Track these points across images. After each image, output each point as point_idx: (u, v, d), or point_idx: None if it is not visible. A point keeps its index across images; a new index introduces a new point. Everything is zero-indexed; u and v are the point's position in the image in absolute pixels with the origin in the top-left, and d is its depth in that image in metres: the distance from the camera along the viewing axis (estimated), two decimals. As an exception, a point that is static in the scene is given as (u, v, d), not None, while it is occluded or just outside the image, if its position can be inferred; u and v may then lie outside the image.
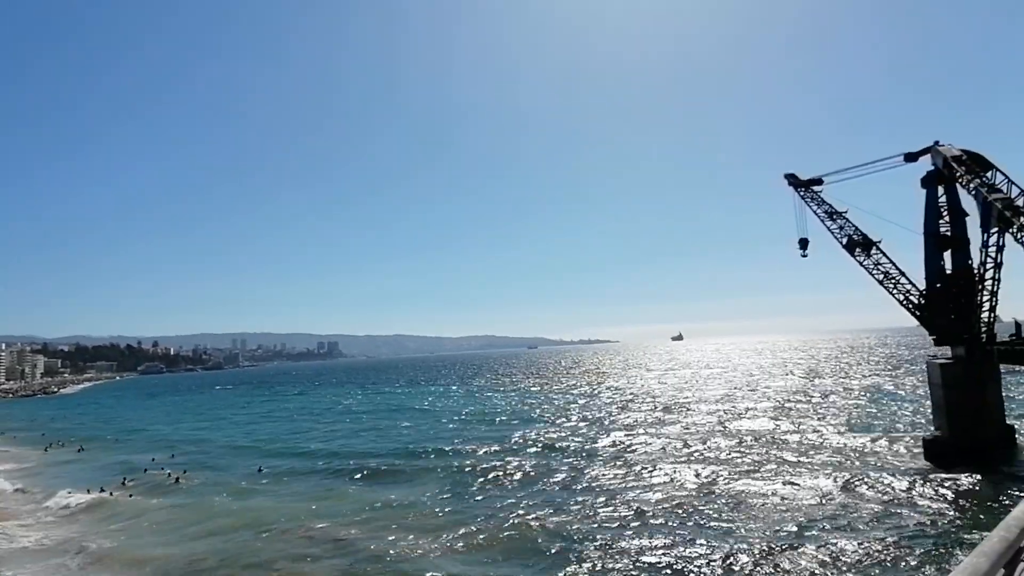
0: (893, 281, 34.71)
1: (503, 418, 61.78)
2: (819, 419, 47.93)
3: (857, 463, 32.17)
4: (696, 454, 37.38)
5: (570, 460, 37.84)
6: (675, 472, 32.52)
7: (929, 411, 35.81)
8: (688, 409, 59.03)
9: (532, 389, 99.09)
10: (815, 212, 37.30)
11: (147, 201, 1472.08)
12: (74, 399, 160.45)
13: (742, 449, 37.81)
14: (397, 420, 66.28)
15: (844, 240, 35.86)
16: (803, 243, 39.68)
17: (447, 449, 44.18)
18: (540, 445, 43.81)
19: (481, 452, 42.16)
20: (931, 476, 28.05)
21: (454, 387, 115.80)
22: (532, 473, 34.81)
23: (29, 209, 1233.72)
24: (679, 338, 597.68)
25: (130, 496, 36.08)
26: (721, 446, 39.14)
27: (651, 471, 33.15)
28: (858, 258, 35.45)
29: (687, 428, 47.57)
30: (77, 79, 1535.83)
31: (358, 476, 37.30)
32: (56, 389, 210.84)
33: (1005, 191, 29.49)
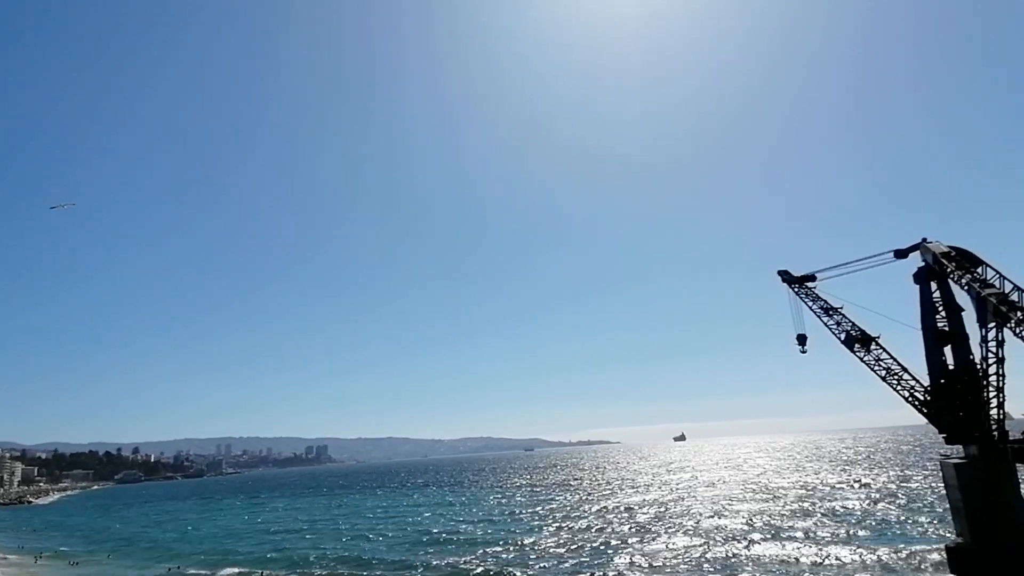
0: (896, 377, 34.16)
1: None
2: (835, 526, 45.66)
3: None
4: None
5: None
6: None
7: (944, 513, 34.13)
8: (694, 518, 56.21)
9: (517, 506, 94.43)
10: (811, 308, 37.48)
11: (128, 300, 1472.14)
12: (52, 508, 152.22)
13: (759, 563, 35.54)
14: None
15: (842, 336, 35.74)
16: (801, 339, 39.51)
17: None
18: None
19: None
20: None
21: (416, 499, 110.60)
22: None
23: (4, 311, 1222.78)
24: (682, 438, 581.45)
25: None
26: (736, 561, 36.79)
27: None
28: (858, 354, 35.13)
29: (692, 543, 44.92)
30: (49, 180, 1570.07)
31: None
32: (32, 500, 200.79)
33: (997, 286, 29.82)
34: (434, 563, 42.45)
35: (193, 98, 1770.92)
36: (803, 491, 69.70)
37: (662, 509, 63.55)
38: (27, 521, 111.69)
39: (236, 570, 46.11)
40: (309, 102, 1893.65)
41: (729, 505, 62.50)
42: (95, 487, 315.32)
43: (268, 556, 51.71)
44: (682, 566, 36.09)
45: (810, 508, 55.53)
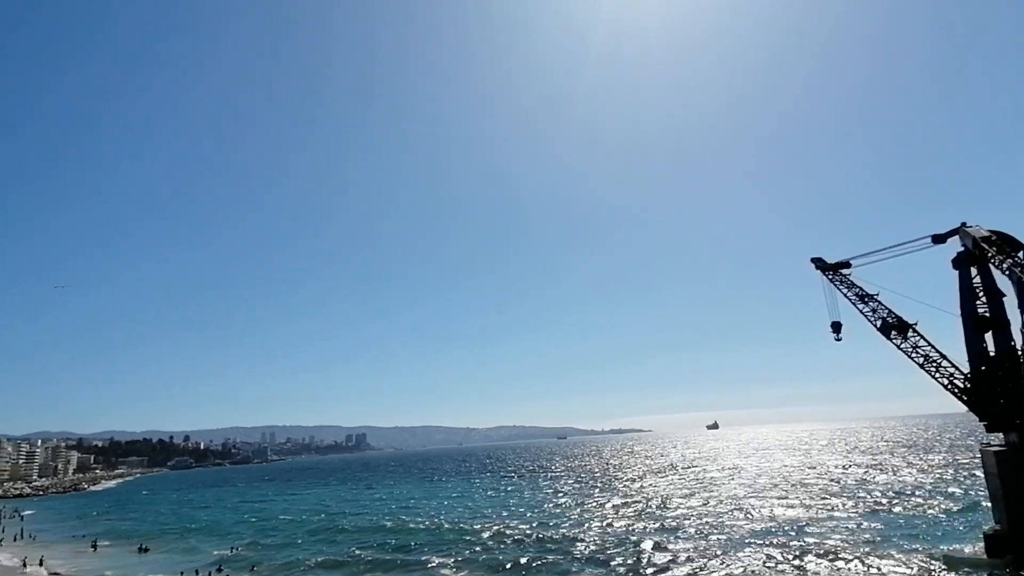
0: (934, 365, 33.66)
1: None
2: (867, 516, 45.29)
3: (919, 561, 30.05)
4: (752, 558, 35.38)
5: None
6: None
7: (983, 501, 33.73)
8: (734, 506, 56.31)
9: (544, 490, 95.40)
10: (845, 295, 37.09)
11: (180, 297, 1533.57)
12: (108, 495, 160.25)
13: (802, 547, 35.72)
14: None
15: (878, 323, 35.33)
16: (836, 327, 39.02)
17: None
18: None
19: None
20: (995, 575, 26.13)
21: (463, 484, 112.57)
22: None
23: (65, 306, 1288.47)
24: (714, 426, 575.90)
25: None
26: (760, 551, 37.02)
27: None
28: (895, 341, 34.70)
29: (731, 535, 45.15)
30: (102, 172, 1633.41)
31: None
32: (86, 486, 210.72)
33: (1040, 271, 29.17)
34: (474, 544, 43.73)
35: (249, 99, 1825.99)
36: (833, 482, 68.85)
37: (687, 498, 63.65)
38: (81, 508, 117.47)
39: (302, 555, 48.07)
40: (352, 101, 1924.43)
41: (757, 495, 62.23)
42: (148, 473, 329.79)
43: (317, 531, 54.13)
44: (709, 558, 36.40)
45: (842, 499, 54.92)
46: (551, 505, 66.19)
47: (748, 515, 49.17)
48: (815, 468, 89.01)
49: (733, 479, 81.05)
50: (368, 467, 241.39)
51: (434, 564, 39.65)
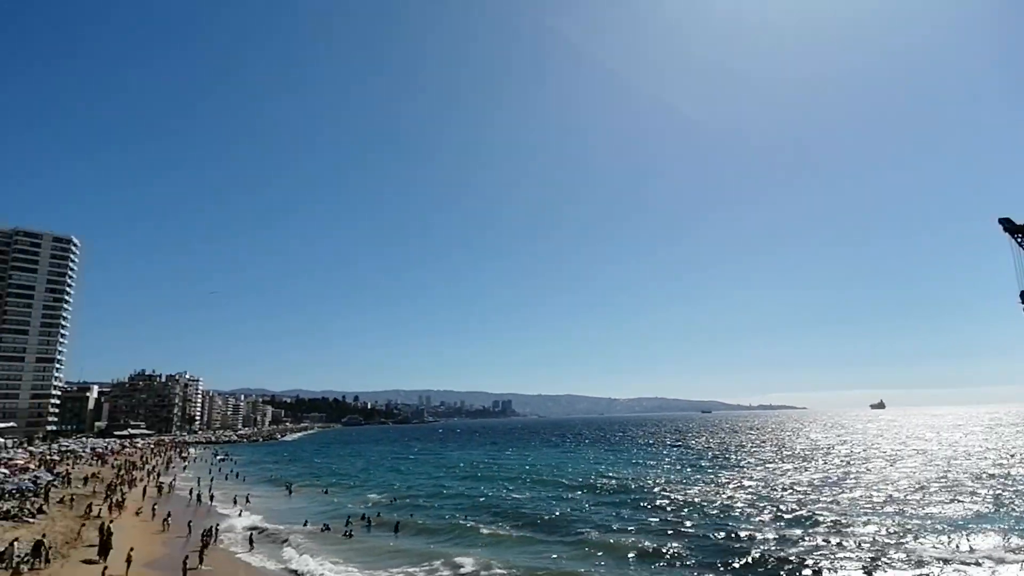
0: None
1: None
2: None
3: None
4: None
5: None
6: None
7: None
8: (885, 498, 52.69)
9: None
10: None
11: (361, 285, 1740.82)
12: (295, 444, 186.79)
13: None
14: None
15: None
16: None
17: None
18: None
19: None
20: None
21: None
22: None
23: (268, 288, 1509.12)
24: (880, 406, 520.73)
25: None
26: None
27: None
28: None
29: (878, 532, 42.56)
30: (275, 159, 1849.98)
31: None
32: (280, 436, 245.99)
33: None
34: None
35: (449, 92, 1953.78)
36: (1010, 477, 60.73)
37: (831, 484, 60.18)
38: (277, 454, 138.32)
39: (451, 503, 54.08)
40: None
41: (920, 487, 57.27)
42: (328, 428, 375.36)
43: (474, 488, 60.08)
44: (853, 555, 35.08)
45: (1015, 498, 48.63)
46: (660, 477, 66.06)
47: (903, 511, 45.24)
48: (1005, 457, 78.70)
49: (892, 466, 74.86)
50: (514, 431, 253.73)
51: (584, 532, 39.91)
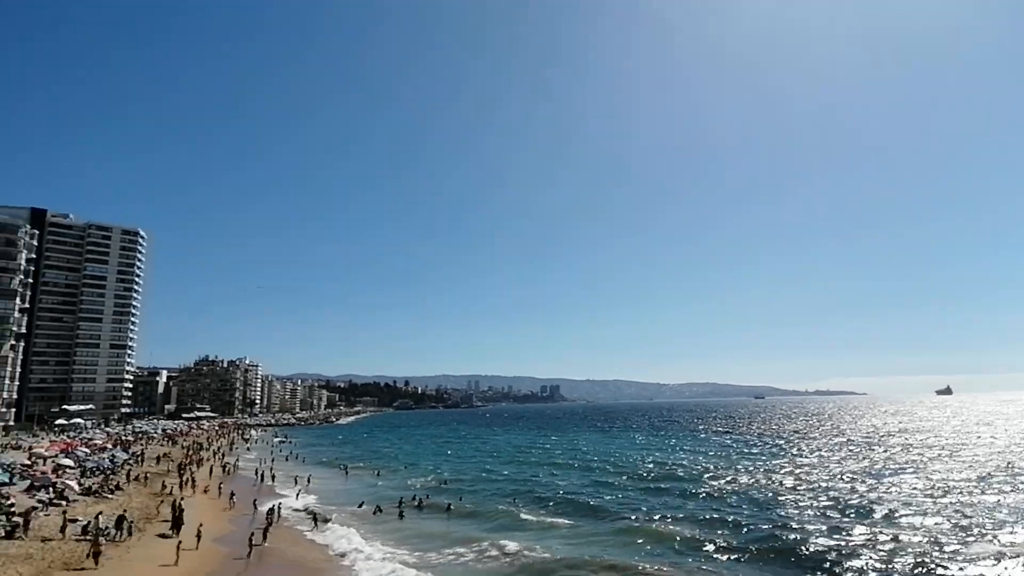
0: None
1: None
2: None
3: None
4: None
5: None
6: None
7: None
8: (944, 490, 50.69)
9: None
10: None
11: (409, 268, 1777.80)
12: (348, 428, 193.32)
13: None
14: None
15: None
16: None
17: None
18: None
19: None
20: None
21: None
22: None
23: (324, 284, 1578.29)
24: (946, 391, 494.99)
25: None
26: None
27: None
28: None
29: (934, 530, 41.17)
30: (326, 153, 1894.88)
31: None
32: (335, 420, 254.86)
33: None
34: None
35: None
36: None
37: (889, 473, 58.13)
38: (332, 437, 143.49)
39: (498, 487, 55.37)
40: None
41: (980, 476, 54.74)
42: (381, 412, 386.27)
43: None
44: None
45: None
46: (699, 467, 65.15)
47: (963, 502, 43.20)
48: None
49: (954, 454, 71.82)
50: (561, 416, 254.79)
51: (629, 518, 40.12)
